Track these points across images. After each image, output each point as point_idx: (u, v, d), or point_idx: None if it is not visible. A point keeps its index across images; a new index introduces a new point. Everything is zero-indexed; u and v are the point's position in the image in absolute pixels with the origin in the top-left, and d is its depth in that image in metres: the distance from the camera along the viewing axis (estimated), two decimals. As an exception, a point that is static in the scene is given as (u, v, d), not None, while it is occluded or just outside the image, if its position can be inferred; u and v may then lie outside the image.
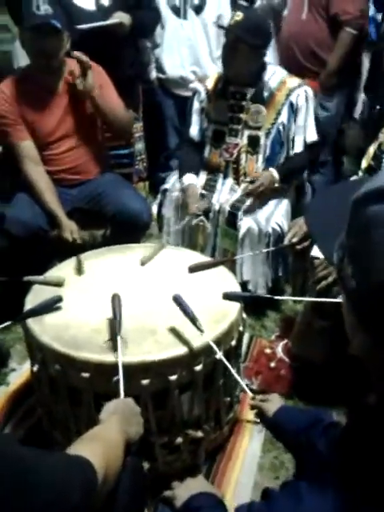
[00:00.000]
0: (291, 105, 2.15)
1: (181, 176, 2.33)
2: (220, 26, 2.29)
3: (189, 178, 2.29)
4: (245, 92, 2.19)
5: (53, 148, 2.18)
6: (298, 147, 2.19)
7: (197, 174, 2.33)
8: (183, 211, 2.29)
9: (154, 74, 3.01)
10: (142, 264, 1.72)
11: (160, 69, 2.98)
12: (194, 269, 1.65)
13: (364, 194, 0.55)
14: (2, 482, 0.64)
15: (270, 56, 2.75)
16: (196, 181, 2.30)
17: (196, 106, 2.34)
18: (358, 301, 0.58)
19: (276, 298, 1.71)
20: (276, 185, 2.17)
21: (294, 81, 2.19)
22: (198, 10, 2.82)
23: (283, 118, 2.17)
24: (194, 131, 2.36)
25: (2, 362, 2.02)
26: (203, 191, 2.27)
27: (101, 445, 0.89)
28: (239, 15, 2.04)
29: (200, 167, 2.37)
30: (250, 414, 1.72)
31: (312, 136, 2.20)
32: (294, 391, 1.80)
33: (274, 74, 2.18)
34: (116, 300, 1.41)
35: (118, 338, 1.29)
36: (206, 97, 2.31)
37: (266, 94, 2.17)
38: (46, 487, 0.69)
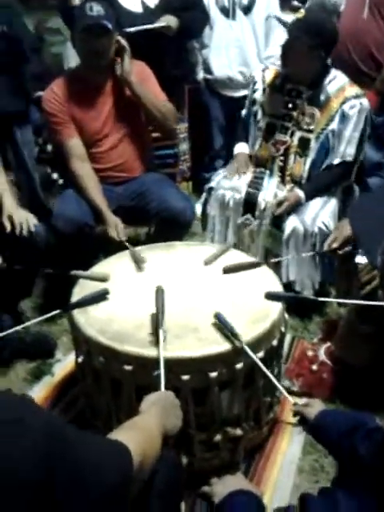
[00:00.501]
0: (343, 113, 2.11)
1: (235, 145, 2.44)
2: (282, 22, 2.26)
3: (240, 147, 2.40)
4: (301, 90, 2.17)
5: (100, 146, 2.23)
6: (336, 158, 2.16)
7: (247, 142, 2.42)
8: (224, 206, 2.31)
9: (201, 75, 3.02)
10: (206, 264, 1.73)
11: (207, 69, 2.99)
12: (228, 270, 1.66)
13: None
14: (39, 451, 0.66)
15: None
16: (246, 150, 2.39)
17: (250, 95, 2.38)
18: None
19: (319, 299, 1.69)
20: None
21: (352, 90, 2.13)
22: (247, 10, 2.82)
23: (334, 125, 2.13)
24: (244, 111, 2.43)
25: (48, 352, 2.08)
26: (249, 189, 2.26)
27: (139, 434, 0.91)
28: (301, 13, 2.03)
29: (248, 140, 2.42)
30: (290, 416, 1.71)
31: (349, 154, 2.16)
32: (336, 395, 1.77)
33: (335, 79, 2.14)
34: (159, 294, 1.43)
35: (160, 331, 1.31)
36: (261, 88, 2.30)
37: (322, 97, 2.14)
38: (82, 463, 0.72)
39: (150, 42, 2.39)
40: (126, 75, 2.11)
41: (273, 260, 1.97)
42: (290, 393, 1.69)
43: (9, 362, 2.02)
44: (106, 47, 2.04)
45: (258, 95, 2.31)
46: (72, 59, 4.62)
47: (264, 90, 2.29)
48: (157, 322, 1.35)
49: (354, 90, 2.14)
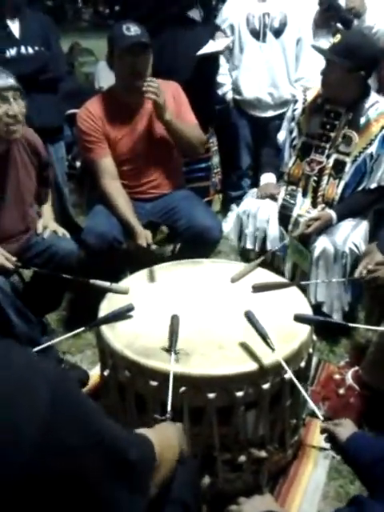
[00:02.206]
0: (383, 138, 2.10)
1: (262, 173, 2.43)
2: (316, 48, 2.28)
3: (267, 177, 2.39)
4: (340, 112, 2.17)
5: (131, 163, 2.26)
6: (373, 183, 2.15)
7: (275, 174, 2.40)
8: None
9: (230, 95, 3.06)
10: (233, 281, 1.73)
11: (236, 90, 3.03)
12: (257, 288, 1.65)
13: None
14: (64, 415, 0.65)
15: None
16: (274, 180, 2.37)
17: (289, 113, 2.38)
18: None
19: (349, 325, 1.66)
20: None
21: None
22: (278, 33, 2.86)
23: (373, 148, 2.12)
24: (281, 136, 2.40)
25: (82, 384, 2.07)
26: (284, 202, 2.28)
27: (158, 436, 0.91)
28: (338, 37, 2.04)
29: (278, 172, 2.41)
30: (315, 440, 1.68)
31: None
32: (363, 421, 1.73)
33: (377, 103, 2.13)
34: (175, 321, 1.44)
35: (172, 354, 1.32)
36: (301, 107, 2.31)
37: (362, 121, 2.13)
38: (106, 431, 0.71)
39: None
40: (165, 117, 2.15)
41: (303, 282, 1.94)
42: (316, 417, 1.67)
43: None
44: (146, 65, 2.09)
45: (297, 114, 2.32)
46: (102, 79, 4.77)
47: (303, 109, 2.30)
48: (170, 345, 1.36)
49: None
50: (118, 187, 2.23)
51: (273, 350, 1.30)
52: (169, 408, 1.18)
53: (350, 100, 2.14)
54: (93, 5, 11.53)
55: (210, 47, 2.52)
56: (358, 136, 2.13)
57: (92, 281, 1.69)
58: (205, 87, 2.51)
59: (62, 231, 2.07)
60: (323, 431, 1.22)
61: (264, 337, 1.32)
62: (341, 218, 2.16)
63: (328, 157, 2.21)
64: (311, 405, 1.31)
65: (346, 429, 1.16)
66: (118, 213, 2.18)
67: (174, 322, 1.43)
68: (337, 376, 1.90)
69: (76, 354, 2.17)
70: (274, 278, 1.78)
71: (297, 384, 1.31)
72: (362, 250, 2.03)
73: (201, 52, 2.45)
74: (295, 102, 2.36)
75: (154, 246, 2.05)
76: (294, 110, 2.34)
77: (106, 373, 1.50)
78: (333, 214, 2.15)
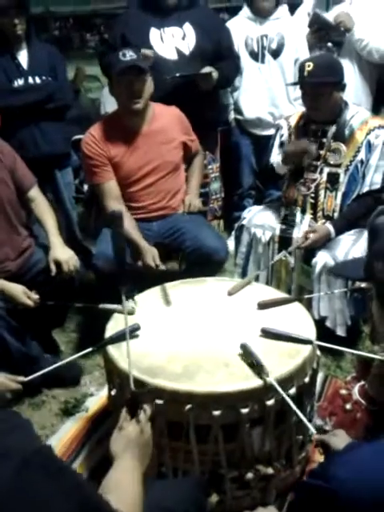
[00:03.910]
0: (369, 143, 2.16)
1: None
2: (293, 83, 2.39)
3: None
4: (326, 130, 2.23)
5: (136, 185, 2.31)
6: (364, 187, 2.19)
7: None
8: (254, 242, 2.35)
9: (232, 116, 3.12)
10: (230, 294, 1.77)
11: (238, 110, 3.08)
12: (263, 305, 1.68)
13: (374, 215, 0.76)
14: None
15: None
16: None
17: (277, 140, 2.42)
18: None
19: (319, 343, 1.57)
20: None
21: (376, 121, 2.21)
22: (276, 54, 2.92)
23: (362, 155, 2.17)
24: (274, 159, 2.43)
25: (75, 378, 2.15)
26: (283, 226, 2.30)
27: (126, 496, 0.89)
28: (310, 65, 2.11)
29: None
30: (323, 456, 1.68)
31: (376, 182, 2.18)
32: (370, 436, 1.72)
33: (357, 114, 2.21)
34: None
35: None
36: (287, 133, 2.37)
37: (347, 132, 2.19)
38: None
39: (189, 88, 2.51)
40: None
41: (307, 296, 1.96)
42: (323, 432, 1.67)
43: (38, 388, 2.07)
44: (142, 88, 2.15)
45: (285, 139, 2.38)
46: (108, 105, 4.87)
47: (290, 135, 2.36)
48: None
49: (377, 121, 2.22)
50: (122, 209, 2.28)
51: (266, 375, 1.34)
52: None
53: (333, 116, 2.21)
54: (98, 33, 11.79)
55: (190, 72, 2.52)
56: (346, 146, 2.19)
57: (101, 306, 1.72)
58: (202, 112, 2.56)
59: (72, 260, 2.06)
60: (317, 444, 1.23)
61: (260, 367, 1.36)
62: (339, 231, 2.19)
63: (321, 172, 2.25)
64: (304, 420, 1.31)
65: (340, 439, 1.17)
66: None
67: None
68: (343, 391, 1.90)
69: (85, 376, 2.19)
70: (278, 294, 1.81)
71: (290, 403, 1.31)
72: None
73: (175, 75, 2.46)
74: (279, 128, 2.43)
75: (162, 267, 2.08)
76: (281, 136, 2.40)
77: (113, 393, 1.53)
78: (330, 227, 2.18)
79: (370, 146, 2.16)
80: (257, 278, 2.32)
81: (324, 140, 2.24)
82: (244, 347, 1.43)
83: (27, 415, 1.98)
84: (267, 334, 1.52)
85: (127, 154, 2.27)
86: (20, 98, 2.49)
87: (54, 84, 2.57)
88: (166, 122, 2.31)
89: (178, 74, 2.47)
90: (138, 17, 2.61)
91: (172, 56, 2.58)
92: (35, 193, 2.18)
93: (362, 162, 2.18)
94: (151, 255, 2.14)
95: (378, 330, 0.93)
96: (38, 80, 2.53)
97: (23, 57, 2.54)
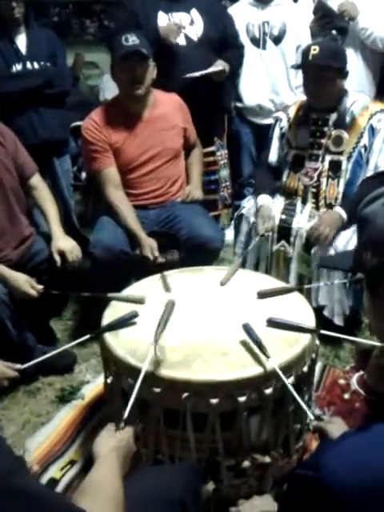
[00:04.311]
0: (372, 128, 2.14)
1: (257, 195, 2.36)
2: (297, 66, 2.35)
3: (263, 199, 2.32)
4: (327, 118, 2.20)
5: (136, 172, 2.29)
6: (369, 171, 2.17)
7: (272, 195, 2.35)
8: (253, 232, 2.31)
9: (232, 103, 3.08)
10: (222, 284, 1.75)
11: (238, 97, 3.05)
12: (263, 294, 1.66)
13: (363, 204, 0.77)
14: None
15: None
16: (270, 201, 2.31)
17: (277, 132, 2.39)
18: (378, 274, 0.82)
19: (323, 332, 1.55)
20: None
21: (377, 106, 2.20)
22: (278, 40, 2.89)
23: (365, 140, 2.16)
24: (273, 157, 2.40)
25: (69, 366, 2.14)
26: (282, 216, 2.27)
27: (104, 502, 0.86)
28: (315, 48, 2.08)
29: (275, 190, 2.39)
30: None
31: (382, 165, 2.15)
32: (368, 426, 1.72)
33: (357, 101, 2.19)
34: (169, 306, 1.45)
35: (154, 346, 1.33)
36: (287, 124, 2.34)
37: (347, 118, 2.17)
38: None
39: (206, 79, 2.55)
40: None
41: (306, 286, 1.95)
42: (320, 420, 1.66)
43: (33, 376, 2.05)
44: (144, 73, 2.13)
45: (285, 130, 2.35)
46: (107, 91, 4.83)
47: (289, 125, 2.33)
48: (155, 335, 1.36)
49: (379, 105, 2.21)
50: (121, 196, 2.26)
51: (268, 358, 1.32)
52: (125, 415, 1.17)
53: (334, 103, 2.18)
54: (98, 19, 11.67)
55: (199, 72, 2.54)
56: (348, 134, 2.17)
57: (110, 294, 1.70)
58: (210, 101, 2.55)
59: (75, 249, 2.05)
60: (314, 431, 1.22)
61: (260, 347, 1.34)
62: (352, 214, 2.09)
63: (322, 160, 2.23)
64: (304, 407, 1.29)
65: (337, 427, 1.17)
66: (122, 221, 2.21)
67: (167, 310, 1.43)
68: (342, 381, 1.90)
69: (81, 363, 2.18)
70: (277, 283, 1.79)
71: (290, 388, 1.30)
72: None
73: (189, 75, 2.49)
74: (278, 120, 2.40)
75: (160, 259, 2.06)
76: (281, 128, 2.36)
77: (109, 380, 1.51)
78: (341, 212, 2.14)
79: (372, 131, 2.14)
80: (256, 268, 2.31)
81: (325, 129, 2.21)
82: (246, 327, 1.41)
83: (22, 402, 1.98)
84: (272, 323, 1.50)
85: (128, 139, 2.24)
86: (18, 83, 2.46)
87: (53, 69, 2.54)
88: (168, 109, 2.29)
89: (196, 74, 2.49)
90: (146, 0, 2.57)
91: (180, 41, 2.56)
92: (37, 180, 2.15)
93: (365, 147, 2.16)
94: (150, 247, 2.12)
95: (369, 320, 0.92)
96: (36, 65, 2.50)
97: (22, 41, 2.50)
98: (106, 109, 2.29)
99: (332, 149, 2.21)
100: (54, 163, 2.75)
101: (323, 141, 2.22)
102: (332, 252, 2.07)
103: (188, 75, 2.49)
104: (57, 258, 1.99)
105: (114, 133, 2.23)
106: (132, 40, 2.08)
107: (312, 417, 1.26)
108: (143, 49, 2.08)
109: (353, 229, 2.16)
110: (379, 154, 2.15)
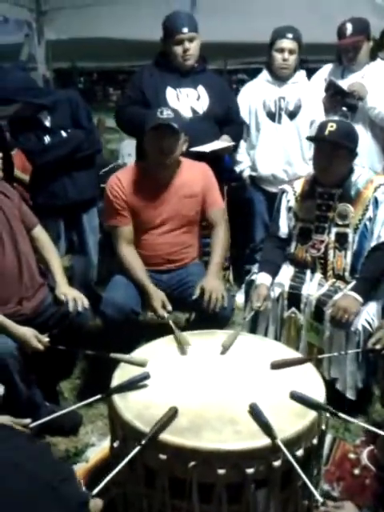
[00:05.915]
0: (376, 200, 2.20)
1: (259, 271, 2.36)
2: (311, 139, 2.44)
3: (262, 278, 2.32)
4: (333, 193, 2.27)
5: (151, 234, 2.34)
6: (373, 242, 2.20)
7: (274, 273, 2.34)
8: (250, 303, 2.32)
9: (247, 172, 3.20)
10: (223, 352, 1.76)
11: (253, 167, 3.17)
12: (276, 366, 1.66)
13: None
14: None
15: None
16: (268, 282, 2.30)
17: (284, 204, 2.44)
18: None
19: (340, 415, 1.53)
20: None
21: (380, 178, 2.27)
22: (293, 115, 3.03)
23: (370, 212, 2.21)
24: (284, 228, 2.42)
25: (75, 427, 2.11)
26: (292, 283, 2.29)
27: None
28: (333, 125, 2.17)
29: (281, 263, 2.40)
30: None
31: (382, 235, 2.19)
32: (379, 504, 1.66)
33: (362, 175, 2.26)
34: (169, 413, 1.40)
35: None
36: (293, 198, 2.41)
37: (352, 192, 2.23)
38: None
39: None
40: None
41: (319, 356, 1.93)
42: (330, 498, 1.61)
43: (39, 434, 2.00)
44: (173, 146, 2.22)
45: (292, 203, 2.40)
46: (126, 156, 5.05)
47: (296, 199, 2.40)
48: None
49: (382, 178, 2.28)
50: (133, 253, 2.31)
51: (275, 437, 1.31)
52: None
53: (340, 180, 2.25)
54: (120, 87, 12.33)
55: (207, 146, 2.66)
56: (353, 207, 2.22)
57: (113, 355, 1.71)
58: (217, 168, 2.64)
59: (81, 298, 2.09)
60: None
61: (268, 429, 1.33)
62: (365, 294, 2.13)
63: (329, 233, 2.28)
64: (311, 488, 1.26)
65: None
66: (133, 276, 2.24)
67: (167, 414, 1.39)
68: (352, 455, 1.84)
69: (87, 425, 2.15)
70: (288, 350, 1.79)
71: (297, 470, 1.28)
72: (375, 326, 2.03)
73: (200, 149, 2.59)
74: (284, 193, 2.44)
75: (169, 307, 2.08)
76: (288, 201, 2.42)
77: (115, 444, 1.50)
78: (357, 296, 2.11)
79: (376, 203, 2.20)
80: (266, 334, 2.31)
81: (331, 202, 2.28)
82: (253, 407, 1.41)
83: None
84: (295, 397, 1.48)
85: (149, 203, 2.31)
86: (51, 153, 2.59)
87: (81, 134, 2.64)
88: (191, 177, 2.35)
89: (206, 150, 2.62)
90: (155, 75, 2.75)
91: (187, 114, 2.70)
92: (39, 232, 2.21)
93: (370, 219, 2.21)
94: (160, 300, 2.14)
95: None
96: (63, 134, 2.61)
97: (44, 115, 2.60)
98: (133, 170, 2.38)
99: (338, 222, 2.26)
100: (82, 219, 2.81)
101: (329, 214, 2.28)
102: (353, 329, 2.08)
103: (197, 149, 2.57)
104: (62, 297, 2.03)
105: (134, 194, 2.31)
106: (167, 114, 2.18)
107: (320, 499, 1.22)
108: (175, 123, 2.18)
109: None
110: (382, 225, 2.19)
